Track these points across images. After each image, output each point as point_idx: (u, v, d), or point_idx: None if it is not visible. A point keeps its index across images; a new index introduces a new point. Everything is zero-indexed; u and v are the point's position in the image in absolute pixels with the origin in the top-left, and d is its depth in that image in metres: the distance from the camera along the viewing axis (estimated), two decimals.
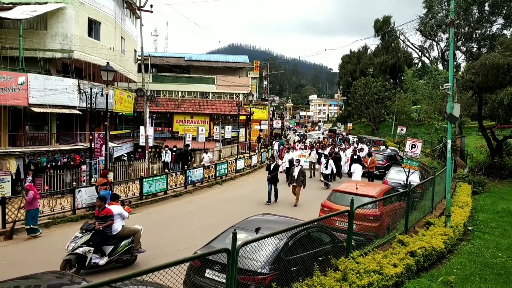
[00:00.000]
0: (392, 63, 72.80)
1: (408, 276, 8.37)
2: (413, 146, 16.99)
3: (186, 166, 22.65)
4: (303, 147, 32.30)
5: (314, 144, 34.98)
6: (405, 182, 16.43)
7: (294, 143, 40.45)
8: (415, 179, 17.80)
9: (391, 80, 74.23)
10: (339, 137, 52.99)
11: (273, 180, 18.54)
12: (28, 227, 12.86)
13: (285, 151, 29.01)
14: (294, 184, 18.11)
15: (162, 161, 26.50)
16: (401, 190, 14.04)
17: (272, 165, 18.88)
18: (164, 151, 26.74)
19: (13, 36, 24.81)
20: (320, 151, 29.59)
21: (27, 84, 22.84)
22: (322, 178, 23.61)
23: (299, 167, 18.41)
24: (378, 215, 11.36)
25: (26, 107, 23.27)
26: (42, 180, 20.47)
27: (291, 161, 23.81)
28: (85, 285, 4.76)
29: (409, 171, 17.03)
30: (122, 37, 36.04)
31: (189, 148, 27.26)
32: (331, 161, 23.64)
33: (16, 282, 5.95)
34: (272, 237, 6.48)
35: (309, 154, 27.84)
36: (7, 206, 13.40)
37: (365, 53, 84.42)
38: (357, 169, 21.70)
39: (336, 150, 29.03)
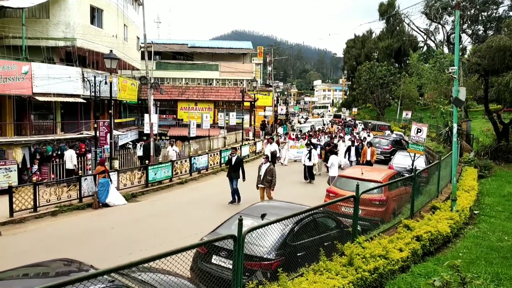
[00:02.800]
0: (397, 47, 72.18)
1: (414, 261, 8.38)
2: (419, 130, 16.89)
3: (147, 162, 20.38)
4: (299, 136, 30.15)
5: (311, 134, 31.99)
6: (411, 167, 16.38)
7: (287, 132, 37.23)
8: (420, 163, 17.74)
9: (396, 64, 73.63)
10: (347, 124, 51.24)
11: (234, 176, 15.77)
12: None
13: (268, 142, 24.91)
14: (261, 185, 14.94)
15: (138, 156, 24.59)
16: (407, 175, 14.01)
17: (234, 158, 16.10)
18: (139, 145, 25.33)
19: (15, 25, 24.73)
20: (313, 140, 26.83)
21: (31, 73, 22.82)
22: (305, 174, 20.58)
23: (267, 164, 15.06)
24: (384, 200, 11.36)
25: (30, 96, 23.29)
26: (48, 168, 20.54)
27: (273, 154, 22.21)
28: (93, 272, 4.79)
29: (414, 156, 16.96)
30: (125, 25, 35.86)
31: (158, 140, 25.77)
32: (314, 152, 20.56)
33: (25, 269, 5.99)
34: (278, 223, 6.50)
35: (305, 145, 24.14)
36: (14, 195, 13.48)
37: (370, 37, 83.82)
38: (333, 162, 18.50)
39: (336, 141, 26.40)
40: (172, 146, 24.04)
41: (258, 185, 15.07)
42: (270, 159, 16.58)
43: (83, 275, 4.08)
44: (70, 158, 19.77)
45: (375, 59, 68.88)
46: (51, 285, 3.73)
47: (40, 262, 6.28)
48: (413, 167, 14.37)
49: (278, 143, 26.64)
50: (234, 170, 15.77)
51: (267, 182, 14.69)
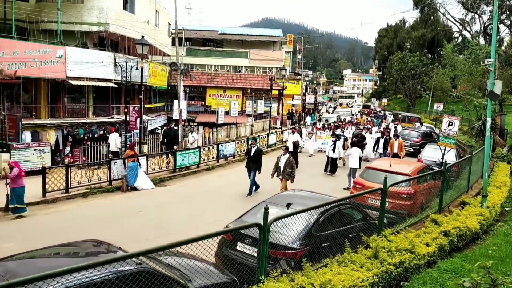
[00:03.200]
0: (430, 37, 70.45)
1: (441, 256, 8.26)
2: (450, 123, 16.52)
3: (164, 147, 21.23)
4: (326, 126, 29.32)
5: (337, 125, 31.27)
6: (441, 161, 16.07)
7: (315, 122, 37.59)
8: (451, 157, 17.37)
9: (429, 55, 71.89)
10: (377, 115, 49.92)
11: (252, 167, 15.37)
12: (12, 206, 11.98)
13: (293, 132, 23.81)
14: (280, 177, 14.69)
15: (160, 141, 24.15)
16: (436, 169, 13.76)
17: (253, 149, 15.68)
18: (161, 131, 24.96)
19: (51, 10, 25.24)
20: (338, 131, 25.92)
21: (65, 57, 23.32)
22: (326, 166, 19.99)
23: (286, 156, 14.66)
24: (412, 194, 11.21)
25: (64, 80, 23.83)
26: (79, 151, 21.07)
27: (295, 145, 21.69)
28: (122, 254, 4.92)
29: (445, 149, 16.62)
30: (156, 10, 36.14)
31: (186, 126, 25.49)
32: (339, 143, 19.99)
33: (56, 248, 6.20)
34: (303, 213, 6.51)
35: (331, 135, 23.66)
36: (47, 176, 13.89)
37: (403, 27, 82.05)
38: (353, 153, 17.58)
39: (364, 132, 25.48)
40: (192, 132, 24.12)
41: (278, 177, 14.73)
42: (291, 150, 16.21)
43: (113, 257, 4.21)
44: (115, 141, 19.83)
45: (408, 49, 67.48)
46: (84, 265, 3.86)
47: (71, 242, 6.48)
48: (443, 161, 14.10)
49: (301, 133, 26.02)
50: (253, 161, 15.41)
51: (287, 174, 14.37)
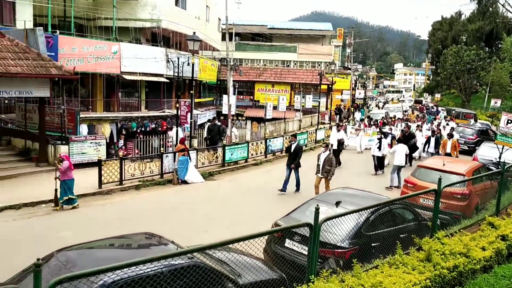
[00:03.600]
0: (488, 30, 67.33)
1: (498, 261, 7.93)
2: (509, 121, 15.81)
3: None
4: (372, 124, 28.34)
5: (385, 122, 30.38)
6: (498, 160, 15.40)
7: (363, 118, 35.94)
8: (509, 157, 16.58)
9: (487, 49, 68.77)
10: (429, 111, 47.60)
11: (293, 164, 14.88)
12: (66, 198, 12.15)
13: (338, 128, 22.56)
14: (318, 174, 14.26)
15: (204, 137, 23.99)
16: (493, 168, 13.20)
17: (293, 146, 15.24)
18: (206, 127, 24.76)
19: (107, 7, 26.15)
20: (386, 129, 24.78)
21: (120, 53, 24.11)
22: (375, 165, 19.12)
23: (326, 153, 14.19)
24: (467, 194, 10.83)
25: (118, 75, 24.68)
26: (132, 144, 21.75)
27: (340, 142, 20.60)
28: (184, 249, 5.08)
29: (502, 148, 15.90)
30: (207, 6, 36.63)
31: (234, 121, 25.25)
32: (384, 141, 18.98)
33: (112, 240, 6.49)
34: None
35: (377, 132, 23.01)
36: (102, 168, 14.45)
37: (459, 19, 78.82)
38: (398, 150, 16.92)
39: (413, 129, 23.31)
40: (232, 127, 24.24)
41: (317, 174, 14.32)
42: (332, 147, 15.77)
43: (169, 253, 4.36)
44: (176, 134, 20.18)
45: (463, 43, 64.90)
46: (143, 259, 4.04)
47: (125, 235, 6.75)
48: (501, 161, 13.50)
49: (345, 129, 24.99)
50: (293, 158, 15.01)
51: (325, 172, 13.99)
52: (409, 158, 19.73)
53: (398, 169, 16.29)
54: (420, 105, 61.12)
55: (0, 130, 18.27)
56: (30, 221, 11.25)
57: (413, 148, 19.96)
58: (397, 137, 20.77)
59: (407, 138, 19.46)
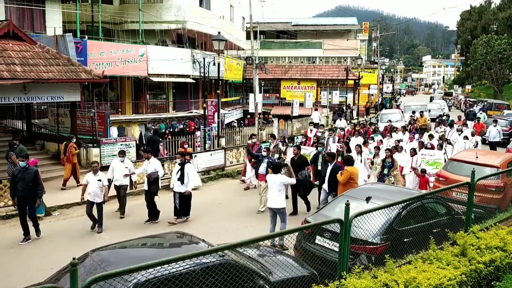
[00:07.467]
0: None
1: None
2: None
3: None
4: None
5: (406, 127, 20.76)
6: None
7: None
8: None
9: None
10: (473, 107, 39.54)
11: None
12: None
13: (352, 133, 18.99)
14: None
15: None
16: None
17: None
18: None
19: (133, 11, 26.59)
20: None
21: (146, 55, 24.48)
22: None
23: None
24: (501, 186, 10.52)
25: (146, 77, 25.06)
26: (161, 145, 22.00)
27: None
28: (215, 247, 5.13)
29: None
30: (231, 5, 36.78)
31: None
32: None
33: (145, 240, 6.63)
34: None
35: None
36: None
37: (488, 8, 76.62)
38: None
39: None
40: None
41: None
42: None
43: (201, 251, 4.42)
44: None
45: (494, 32, 63.01)
46: (174, 258, 4.12)
47: (158, 234, 6.87)
48: None
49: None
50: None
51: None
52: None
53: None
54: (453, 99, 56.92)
55: (34, 135, 18.78)
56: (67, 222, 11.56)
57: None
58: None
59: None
